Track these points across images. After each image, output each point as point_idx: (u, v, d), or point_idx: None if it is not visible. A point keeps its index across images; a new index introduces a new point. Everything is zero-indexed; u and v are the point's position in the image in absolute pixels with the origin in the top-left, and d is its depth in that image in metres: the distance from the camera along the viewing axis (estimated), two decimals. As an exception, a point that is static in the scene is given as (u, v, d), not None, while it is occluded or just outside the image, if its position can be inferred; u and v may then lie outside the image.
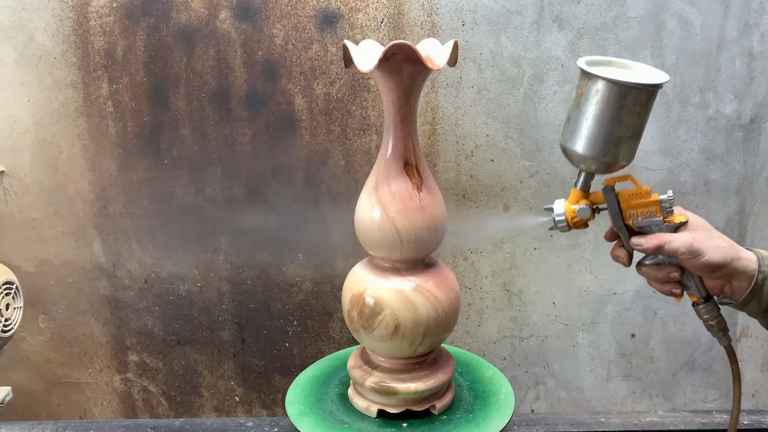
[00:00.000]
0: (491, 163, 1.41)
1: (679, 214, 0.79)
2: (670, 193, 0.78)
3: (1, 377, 1.50)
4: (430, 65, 0.82)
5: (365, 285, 0.94)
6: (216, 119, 1.37)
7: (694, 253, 0.75)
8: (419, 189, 0.91)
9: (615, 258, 0.84)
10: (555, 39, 1.35)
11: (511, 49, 1.35)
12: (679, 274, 0.80)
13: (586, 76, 0.75)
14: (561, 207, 0.83)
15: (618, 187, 0.81)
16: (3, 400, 1.15)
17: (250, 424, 1.05)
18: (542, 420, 1.05)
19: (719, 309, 0.82)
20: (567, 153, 0.80)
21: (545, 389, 1.56)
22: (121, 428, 1.06)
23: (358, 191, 1.39)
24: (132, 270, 1.47)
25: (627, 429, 1.03)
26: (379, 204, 0.91)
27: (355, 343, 1.45)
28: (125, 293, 1.48)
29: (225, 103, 1.36)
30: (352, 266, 1.02)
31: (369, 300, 0.92)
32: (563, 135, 0.80)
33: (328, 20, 1.32)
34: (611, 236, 0.84)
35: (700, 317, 0.82)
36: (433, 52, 0.90)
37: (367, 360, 1.01)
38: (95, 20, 1.33)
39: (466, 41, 1.34)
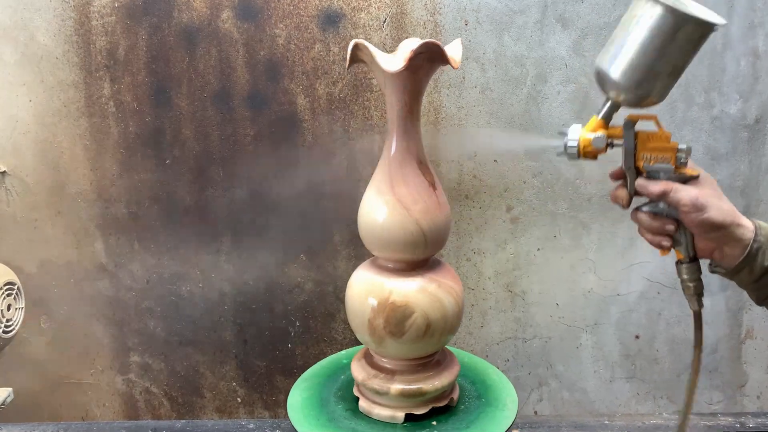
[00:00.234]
0: (494, 163, 1.40)
1: (692, 169, 0.77)
2: (689, 144, 0.76)
3: (3, 378, 1.50)
4: (453, 64, 0.83)
5: (388, 289, 0.90)
6: (218, 119, 1.36)
7: (697, 208, 0.73)
8: (434, 186, 0.91)
9: (614, 198, 0.81)
10: (559, 39, 1.34)
11: (514, 48, 1.34)
12: (673, 227, 0.78)
13: None
14: (576, 133, 0.79)
15: (639, 127, 0.78)
16: (4, 401, 1.14)
17: (251, 426, 1.04)
18: (546, 422, 1.04)
19: (701, 272, 0.80)
20: (600, 76, 0.76)
21: (548, 390, 1.55)
22: (122, 430, 1.05)
23: (361, 191, 1.39)
24: (134, 270, 1.46)
25: (631, 431, 1.03)
26: (400, 204, 0.89)
27: (358, 343, 1.44)
28: (127, 294, 1.48)
29: (227, 103, 1.36)
30: (355, 267, 1.01)
31: (398, 304, 0.89)
32: (601, 56, 0.76)
33: (331, 20, 1.32)
34: (617, 175, 0.81)
35: (680, 276, 0.81)
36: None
37: (378, 367, 0.98)
38: (97, 20, 1.32)
39: (469, 41, 1.34)
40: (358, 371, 0.98)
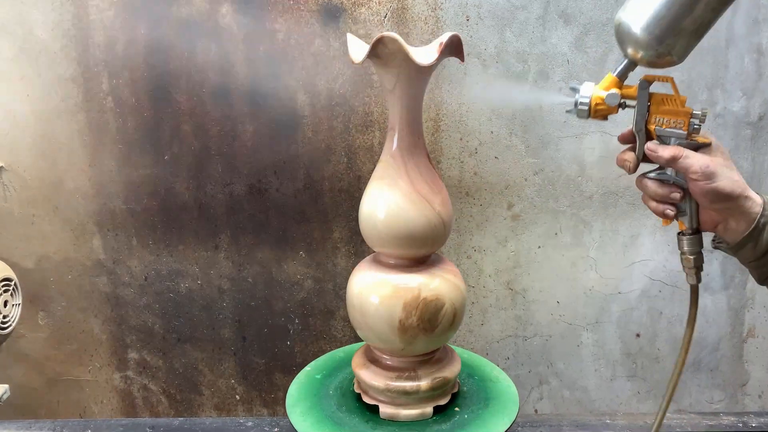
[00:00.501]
0: (495, 160, 1.39)
1: (704, 136, 0.75)
2: (705, 109, 0.74)
3: (0, 375, 1.49)
4: (462, 58, 0.85)
5: (416, 287, 0.88)
6: (217, 115, 1.35)
7: (706, 175, 0.71)
8: (441, 178, 0.92)
9: (620, 162, 0.79)
10: (561, 34, 1.33)
11: (516, 44, 1.33)
12: (679, 195, 0.76)
13: None
14: (589, 90, 0.76)
15: (654, 89, 0.75)
16: (1, 397, 1.14)
17: (249, 423, 1.03)
18: (547, 421, 1.03)
19: (702, 246, 0.79)
20: (620, 31, 0.74)
21: (549, 389, 1.54)
22: (119, 427, 1.04)
23: (361, 188, 1.39)
24: (132, 267, 1.45)
25: (633, 431, 1.02)
26: (424, 199, 0.88)
27: (357, 341, 1.43)
28: (125, 290, 1.47)
29: (226, 98, 1.34)
30: (355, 264, 1.00)
31: (430, 299, 0.88)
32: (623, 8, 0.73)
33: (331, 15, 1.31)
34: (626, 138, 0.79)
35: (681, 248, 0.79)
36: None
37: (394, 368, 0.95)
38: (95, 14, 1.31)
39: (471, 36, 1.32)
40: (375, 378, 0.94)
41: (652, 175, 0.77)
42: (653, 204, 0.78)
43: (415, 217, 0.88)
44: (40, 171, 1.40)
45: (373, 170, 0.95)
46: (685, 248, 0.78)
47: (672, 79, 0.74)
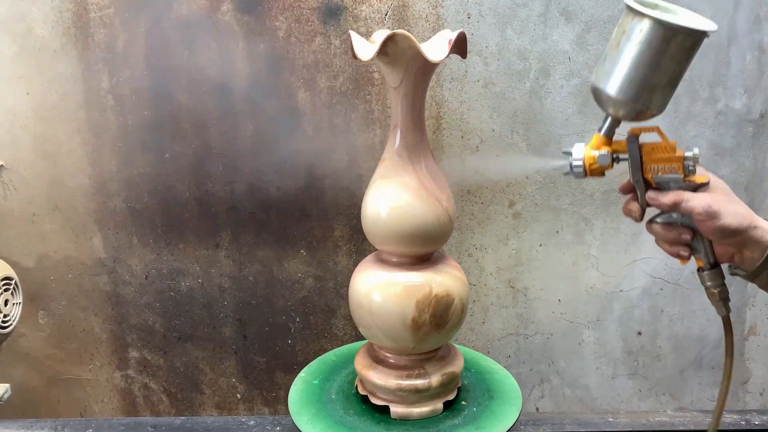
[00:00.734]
0: (496, 158, 1.39)
1: (701, 175, 0.75)
2: (696, 150, 0.75)
3: (1, 374, 1.49)
4: (464, 54, 0.88)
5: (427, 283, 0.89)
6: (218, 113, 1.35)
7: (711, 215, 0.72)
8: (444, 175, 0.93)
9: (627, 212, 0.80)
10: (562, 32, 1.33)
11: (517, 42, 1.33)
12: (690, 236, 0.77)
13: (632, 13, 0.71)
14: (580, 152, 0.78)
15: (643, 139, 0.77)
16: (2, 396, 1.13)
17: (252, 422, 1.03)
18: (549, 419, 1.03)
19: (723, 278, 0.79)
20: (597, 94, 0.76)
21: (550, 387, 1.54)
22: (121, 426, 1.04)
23: (362, 186, 1.39)
24: (132, 265, 1.45)
25: (635, 429, 1.02)
26: (432, 196, 0.89)
27: (357, 339, 1.43)
28: (126, 289, 1.47)
29: (227, 96, 1.34)
30: (356, 262, 1.00)
31: (441, 295, 0.89)
32: (596, 74, 0.75)
33: (332, 12, 1.30)
34: (626, 189, 0.80)
35: (703, 284, 0.80)
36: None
37: (403, 367, 0.95)
38: (95, 12, 1.31)
39: (472, 34, 1.32)
40: (384, 378, 0.94)
41: (659, 220, 0.79)
42: (666, 247, 0.79)
43: (424, 215, 0.88)
44: (41, 169, 1.39)
45: (374, 168, 0.95)
46: (708, 283, 0.79)
47: (657, 128, 0.76)
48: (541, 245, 1.45)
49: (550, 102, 1.36)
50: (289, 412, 0.96)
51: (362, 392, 0.98)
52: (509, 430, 0.92)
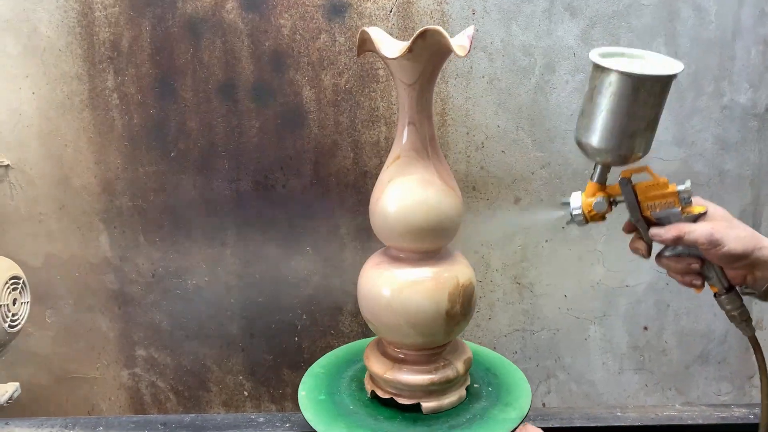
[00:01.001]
0: (502, 154, 1.39)
1: (698, 205, 0.78)
2: (688, 183, 0.77)
3: (9, 373, 1.49)
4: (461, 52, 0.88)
5: (453, 274, 0.91)
6: (223, 111, 1.35)
7: (714, 244, 0.73)
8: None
9: (634, 250, 0.82)
10: (567, 27, 1.32)
11: (522, 38, 1.33)
12: (699, 265, 0.79)
13: (599, 69, 0.74)
14: (578, 200, 0.82)
15: (635, 178, 0.79)
16: (12, 395, 1.14)
17: (261, 419, 1.04)
18: (558, 414, 1.03)
19: (741, 299, 0.80)
20: (582, 146, 0.79)
21: (556, 383, 1.55)
22: (130, 424, 1.05)
23: (367, 183, 1.39)
24: (139, 264, 1.45)
25: (644, 423, 1.02)
26: (452, 190, 0.90)
27: (365, 336, 1.43)
28: (132, 288, 1.47)
29: (232, 94, 1.34)
30: (362, 259, 1.00)
31: (467, 285, 0.92)
32: (578, 129, 0.78)
33: (336, 9, 1.30)
34: (629, 228, 0.83)
35: (723, 308, 0.81)
36: None
37: (426, 362, 0.95)
38: (100, 11, 1.31)
39: (477, 30, 1.32)
40: (415, 376, 0.93)
41: (667, 253, 0.81)
42: (679, 278, 0.81)
43: (448, 208, 0.89)
44: (47, 169, 1.40)
45: (379, 165, 0.95)
46: (727, 307, 0.81)
47: (647, 167, 0.78)
48: (546, 241, 1.45)
49: (556, 97, 1.36)
50: (297, 409, 0.96)
51: (384, 396, 0.96)
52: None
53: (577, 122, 0.78)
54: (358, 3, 1.30)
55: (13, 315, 1.20)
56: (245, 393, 1.53)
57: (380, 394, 0.97)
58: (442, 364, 0.95)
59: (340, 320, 1.48)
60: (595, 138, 0.75)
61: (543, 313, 1.50)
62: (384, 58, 0.83)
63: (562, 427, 1.01)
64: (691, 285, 0.80)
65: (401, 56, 0.81)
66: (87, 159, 1.39)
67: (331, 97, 1.34)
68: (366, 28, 0.85)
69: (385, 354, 0.98)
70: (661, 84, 0.73)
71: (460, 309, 0.90)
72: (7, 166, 1.39)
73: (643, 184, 0.78)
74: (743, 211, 1.44)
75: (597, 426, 1.02)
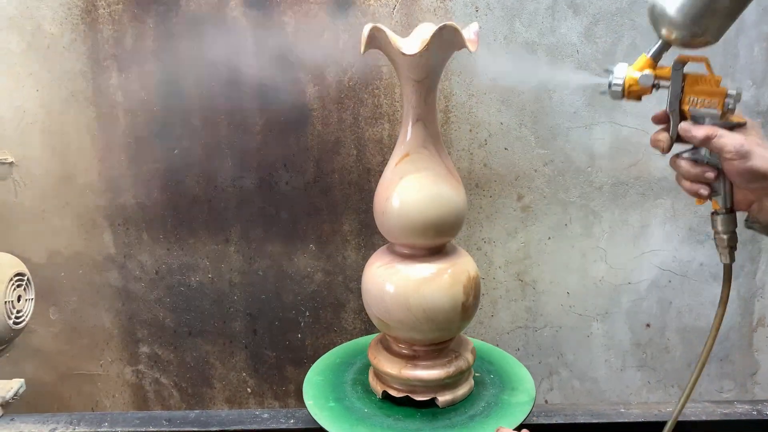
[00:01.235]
0: (505, 151, 1.39)
1: (739, 116, 0.75)
2: (740, 89, 0.74)
3: (13, 369, 1.49)
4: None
5: (464, 267, 0.93)
6: (227, 108, 1.35)
7: (741, 155, 0.70)
8: None
9: (654, 142, 0.79)
10: (570, 25, 1.32)
11: (525, 35, 1.33)
12: (713, 175, 0.75)
13: None
14: (622, 71, 0.77)
15: (688, 69, 0.76)
16: (17, 392, 1.14)
17: (266, 415, 1.04)
18: (561, 411, 1.04)
19: (735, 225, 0.78)
20: (654, 12, 0.73)
21: (559, 380, 1.55)
22: (135, 420, 1.05)
23: (371, 181, 1.39)
24: (143, 261, 1.46)
25: (647, 420, 1.02)
26: (460, 185, 0.92)
27: (368, 333, 1.44)
28: (136, 284, 1.47)
29: (235, 92, 1.34)
30: (365, 256, 1.00)
31: (476, 277, 0.94)
32: None
33: (340, 7, 1.30)
34: (660, 119, 0.79)
35: (714, 227, 0.79)
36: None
37: (440, 356, 0.96)
38: (104, 8, 1.31)
39: (480, 27, 1.31)
40: (431, 372, 0.94)
41: (686, 155, 0.77)
42: (687, 184, 0.78)
43: (460, 203, 0.91)
44: (50, 166, 1.40)
45: (382, 162, 0.95)
46: (719, 227, 0.78)
47: (706, 59, 0.74)
48: (549, 238, 1.45)
49: (558, 95, 1.36)
50: (299, 405, 0.96)
51: (397, 395, 0.96)
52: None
53: None
54: (362, 0, 1.30)
55: (18, 312, 1.21)
56: (248, 390, 1.54)
57: (393, 393, 0.96)
58: (453, 356, 0.96)
59: (343, 317, 1.48)
60: (676, 4, 0.70)
61: (546, 311, 1.50)
62: (400, 55, 0.82)
63: (565, 424, 1.01)
64: (696, 194, 0.77)
65: (420, 52, 0.81)
66: (91, 156, 1.39)
67: (335, 94, 1.35)
68: (377, 25, 0.84)
69: (394, 352, 0.97)
70: None
71: (473, 301, 0.92)
72: (11, 163, 1.40)
73: (693, 76, 0.75)
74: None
75: (600, 422, 1.02)
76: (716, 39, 0.73)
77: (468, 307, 0.91)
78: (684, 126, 0.75)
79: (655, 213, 1.43)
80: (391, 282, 0.90)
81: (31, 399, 1.49)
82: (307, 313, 1.48)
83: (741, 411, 1.03)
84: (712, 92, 0.74)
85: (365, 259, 0.99)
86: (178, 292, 1.47)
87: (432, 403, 0.95)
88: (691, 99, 0.74)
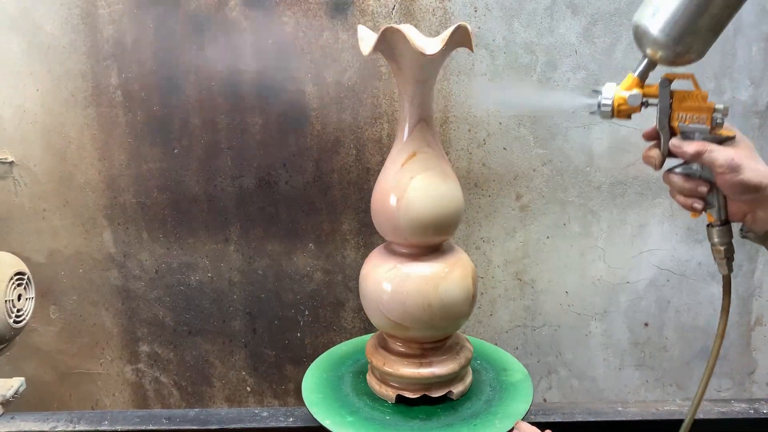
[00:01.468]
0: (504, 151, 1.39)
1: (728, 130, 0.75)
2: (726, 105, 0.74)
3: (14, 368, 1.50)
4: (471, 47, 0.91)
5: (467, 261, 0.96)
6: (226, 108, 1.36)
7: (732, 168, 0.71)
8: None
9: (647, 159, 0.80)
10: (569, 25, 1.33)
11: (524, 35, 1.33)
12: (706, 189, 0.76)
13: None
14: (611, 91, 0.78)
15: (675, 86, 0.76)
16: (18, 390, 1.14)
17: (265, 414, 1.04)
18: (559, 409, 1.04)
19: (731, 236, 0.79)
20: (638, 33, 0.75)
21: (558, 378, 1.55)
22: (135, 419, 1.05)
23: (370, 180, 1.39)
24: (143, 260, 1.46)
25: (645, 418, 1.03)
26: (458, 180, 0.94)
27: (367, 332, 1.44)
28: (136, 284, 1.48)
29: (235, 91, 1.35)
30: (364, 255, 1.01)
31: (474, 268, 0.97)
32: (640, 11, 0.74)
33: (339, 7, 1.31)
34: (650, 136, 0.80)
35: (710, 239, 0.79)
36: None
37: (447, 351, 0.98)
38: (104, 8, 1.31)
39: (479, 27, 1.33)
40: (445, 367, 0.95)
41: (678, 170, 0.78)
42: (681, 198, 0.79)
43: (462, 200, 0.94)
44: (51, 165, 1.40)
45: (381, 162, 0.96)
46: (716, 239, 0.79)
47: (693, 75, 0.75)
48: (548, 238, 1.45)
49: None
50: (298, 404, 0.96)
51: (415, 396, 0.96)
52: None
53: (642, 5, 0.74)
54: (361, 0, 1.30)
55: (18, 311, 1.21)
56: (248, 389, 1.54)
57: (409, 395, 0.96)
58: (458, 348, 0.99)
59: (343, 316, 1.49)
60: (657, 25, 0.72)
61: (544, 310, 1.50)
62: (419, 56, 0.82)
63: (563, 422, 1.02)
64: (690, 208, 0.78)
65: (440, 52, 0.83)
66: (91, 155, 1.40)
67: (334, 94, 1.35)
68: (392, 26, 0.84)
69: (403, 354, 0.97)
70: None
71: (475, 291, 0.96)
72: (12, 162, 1.40)
73: (681, 93, 0.75)
74: (744, 207, 1.45)
75: (598, 421, 1.02)
76: (701, 56, 0.74)
77: (475, 297, 0.96)
78: (674, 142, 0.76)
79: (654, 212, 1.44)
80: (408, 283, 0.91)
81: (31, 397, 1.50)
82: (307, 312, 1.48)
83: (738, 409, 1.04)
84: (700, 108, 0.74)
85: (364, 258, 1.00)
86: (178, 291, 1.48)
87: (441, 398, 0.97)
88: (680, 115, 0.75)
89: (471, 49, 0.86)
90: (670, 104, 0.75)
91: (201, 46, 1.32)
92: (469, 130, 1.38)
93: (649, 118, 0.79)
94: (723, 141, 0.74)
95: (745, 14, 1.33)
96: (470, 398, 0.99)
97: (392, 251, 0.96)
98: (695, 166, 0.76)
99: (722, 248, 0.79)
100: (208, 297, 1.48)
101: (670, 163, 0.79)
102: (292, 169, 1.39)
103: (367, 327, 1.48)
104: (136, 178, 1.40)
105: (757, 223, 0.75)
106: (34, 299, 1.27)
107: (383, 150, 1.37)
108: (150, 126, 1.37)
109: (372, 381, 1.01)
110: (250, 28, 1.31)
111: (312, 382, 1.03)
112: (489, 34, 1.33)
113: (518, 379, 1.04)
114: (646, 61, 0.76)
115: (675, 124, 0.76)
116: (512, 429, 0.90)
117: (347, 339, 1.31)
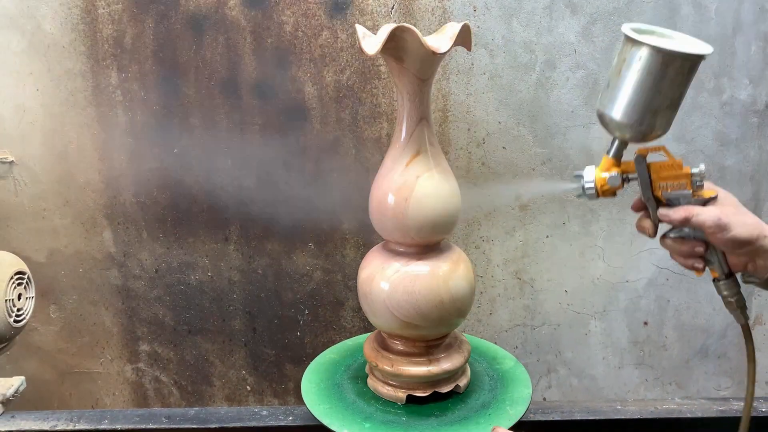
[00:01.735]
0: (503, 150, 1.40)
1: (709, 189, 0.78)
2: (702, 167, 0.78)
3: (14, 367, 1.50)
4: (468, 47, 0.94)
5: (465, 257, 0.99)
6: (226, 108, 1.36)
7: (721, 228, 0.74)
8: None
9: (640, 229, 0.83)
10: (568, 24, 1.33)
11: (523, 34, 1.33)
12: (703, 248, 0.79)
13: (630, 42, 0.74)
14: (591, 174, 0.82)
15: (650, 158, 0.80)
16: (18, 389, 1.15)
17: (264, 413, 1.04)
18: (558, 408, 1.04)
19: (739, 286, 0.81)
20: (603, 119, 0.79)
21: (557, 377, 1.56)
22: (135, 417, 1.06)
23: (369, 179, 1.39)
24: (142, 260, 1.46)
25: (644, 417, 1.03)
26: (457, 186, 0.95)
27: (366, 331, 1.44)
28: (136, 283, 1.48)
29: (235, 91, 1.35)
30: (363, 255, 1.01)
31: (469, 263, 1.00)
32: (601, 100, 0.79)
33: (338, 6, 1.31)
34: (638, 207, 0.83)
35: (720, 293, 0.82)
36: None
37: (448, 347, 1.00)
38: (103, 8, 1.32)
39: (478, 27, 1.33)
40: (454, 361, 0.97)
41: (672, 235, 0.81)
42: (681, 260, 0.82)
43: (454, 206, 0.95)
44: (51, 165, 1.40)
45: (380, 161, 0.96)
46: (725, 293, 0.81)
47: (664, 147, 0.79)
48: (547, 237, 1.46)
49: (556, 94, 1.36)
50: (298, 403, 0.97)
51: (424, 394, 0.96)
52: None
53: (601, 94, 0.79)
54: (360, 0, 1.31)
55: (18, 310, 1.21)
56: (248, 388, 1.54)
57: (420, 393, 0.96)
58: (458, 342, 1.01)
59: (342, 315, 1.49)
60: (618, 112, 0.76)
61: (544, 309, 1.51)
62: (429, 55, 0.83)
63: (563, 420, 1.02)
64: (692, 268, 0.81)
65: (450, 50, 0.84)
66: (91, 155, 1.40)
67: (333, 93, 1.35)
68: (403, 25, 0.83)
69: (409, 354, 0.97)
70: (690, 63, 0.74)
71: (475, 285, 0.98)
72: (12, 162, 1.40)
73: (657, 164, 0.79)
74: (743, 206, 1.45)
75: (597, 419, 1.03)
76: (666, 130, 0.78)
77: (475, 291, 0.98)
78: (662, 212, 0.79)
79: (653, 211, 1.44)
80: (419, 282, 0.91)
81: (31, 396, 1.51)
82: (306, 311, 1.48)
83: (737, 408, 1.04)
84: (678, 175, 0.78)
85: (363, 257, 1.00)
86: (178, 290, 1.48)
87: (448, 393, 0.98)
88: (661, 185, 0.79)
89: (469, 48, 0.87)
90: (649, 177, 0.79)
91: (200, 46, 1.33)
92: (469, 130, 1.38)
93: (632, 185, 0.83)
94: (707, 202, 0.77)
95: (744, 13, 1.34)
96: (474, 390, 1.01)
97: (393, 251, 0.96)
98: (687, 229, 0.80)
99: (733, 300, 0.81)
100: (208, 296, 1.48)
101: (663, 228, 0.82)
102: (291, 169, 1.39)
103: (367, 326, 1.48)
104: (135, 178, 1.41)
105: (758, 270, 0.78)
106: (34, 298, 1.27)
107: (382, 149, 1.38)
108: (149, 125, 1.37)
109: (376, 384, 1.00)
110: (250, 28, 1.32)
111: (313, 393, 1.01)
112: (488, 33, 1.33)
113: (510, 366, 1.08)
114: (617, 142, 0.81)
115: (658, 193, 0.79)
116: None
117: (347, 338, 1.32)
